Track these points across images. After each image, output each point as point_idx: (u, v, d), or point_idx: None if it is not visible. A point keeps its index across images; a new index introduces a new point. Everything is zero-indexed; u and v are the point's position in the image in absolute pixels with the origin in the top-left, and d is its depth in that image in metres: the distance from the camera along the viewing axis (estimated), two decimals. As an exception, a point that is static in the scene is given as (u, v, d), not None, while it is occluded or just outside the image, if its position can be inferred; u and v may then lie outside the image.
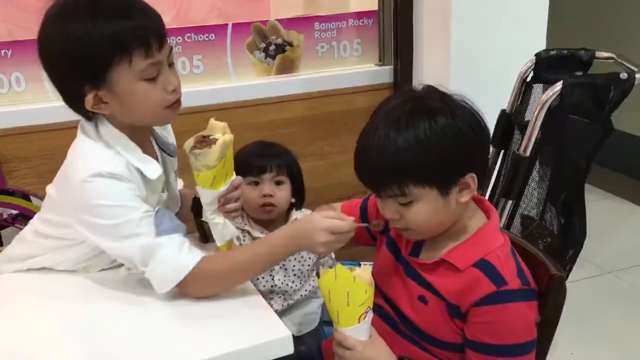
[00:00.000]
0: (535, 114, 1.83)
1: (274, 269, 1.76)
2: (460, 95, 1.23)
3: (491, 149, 2.04)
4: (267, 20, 2.38)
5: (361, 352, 1.23)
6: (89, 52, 1.20)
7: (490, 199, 2.02)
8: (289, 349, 1.17)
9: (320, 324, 1.90)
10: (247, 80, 2.39)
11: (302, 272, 1.83)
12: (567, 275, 1.84)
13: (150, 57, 1.23)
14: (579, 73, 1.92)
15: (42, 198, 1.44)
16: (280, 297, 1.82)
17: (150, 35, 1.22)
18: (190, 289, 1.28)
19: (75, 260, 1.40)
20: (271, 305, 1.71)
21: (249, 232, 1.81)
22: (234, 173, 1.42)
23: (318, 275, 1.23)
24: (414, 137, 1.16)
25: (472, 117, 1.22)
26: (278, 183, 1.77)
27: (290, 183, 1.81)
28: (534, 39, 2.33)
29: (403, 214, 1.22)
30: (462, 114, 1.20)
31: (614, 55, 1.91)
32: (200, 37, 2.28)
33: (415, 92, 1.25)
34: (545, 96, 1.81)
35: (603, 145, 1.80)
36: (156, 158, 1.39)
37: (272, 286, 1.80)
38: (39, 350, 1.18)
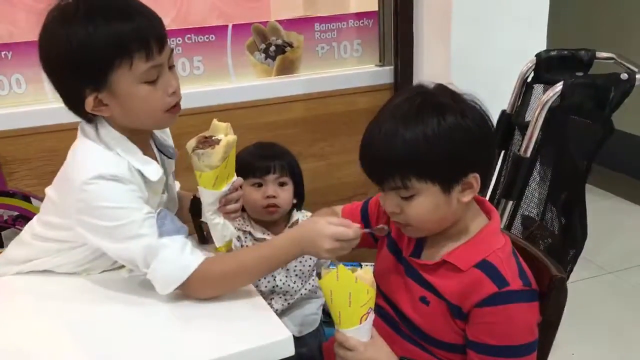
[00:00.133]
0: (535, 115, 1.83)
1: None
2: (470, 95, 1.23)
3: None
4: (267, 21, 2.38)
5: (362, 353, 1.23)
6: (90, 55, 1.20)
7: (491, 199, 2.01)
8: (290, 351, 1.17)
9: (321, 325, 1.90)
10: (247, 81, 2.39)
11: (303, 273, 1.83)
12: (568, 276, 1.84)
13: (151, 60, 1.23)
14: (580, 74, 1.91)
15: (42, 200, 1.43)
16: (281, 297, 1.82)
17: (150, 37, 1.22)
18: (192, 290, 1.27)
19: (75, 263, 1.40)
20: (271, 305, 1.72)
21: (250, 233, 1.81)
22: (235, 174, 1.42)
23: (319, 276, 1.23)
24: (422, 132, 1.16)
25: (481, 118, 1.22)
26: (281, 184, 1.78)
27: (292, 184, 1.81)
28: (535, 40, 2.33)
29: (403, 208, 1.22)
30: (472, 114, 1.20)
31: (614, 56, 1.90)
32: (201, 38, 2.28)
33: (425, 89, 1.25)
34: (545, 97, 1.81)
35: (604, 145, 1.79)
36: (156, 160, 1.38)
37: (273, 287, 1.80)
38: (40, 352, 1.18)
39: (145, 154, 1.34)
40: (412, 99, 1.21)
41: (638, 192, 3.67)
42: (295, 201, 1.84)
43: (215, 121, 1.39)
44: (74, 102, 1.28)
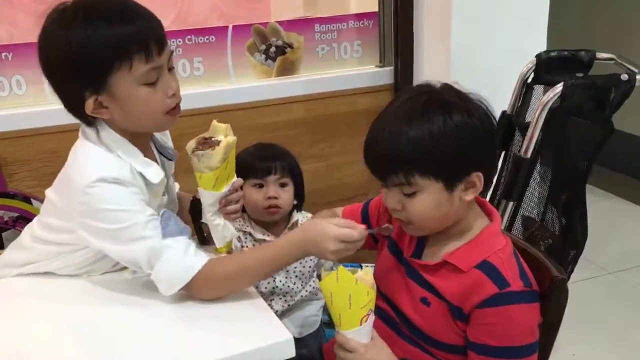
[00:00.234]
0: (536, 116, 1.83)
1: (275, 271, 1.77)
2: (476, 95, 1.23)
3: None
4: (267, 22, 2.38)
5: (363, 355, 1.23)
6: (89, 58, 1.20)
7: (491, 200, 2.01)
8: (291, 352, 1.17)
9: (321, 326, 1.90)
10: (247, 82, 2.38)
11: (303, 274, 1.83)
12: (569, 277, 1.84)
13: (151, 62, 1.23)
14: (580, 74, 1.91)
15: (42, 201, 1.43)
16: (281, 298, 1.82)
17: (150, 39, 1.22)
18: (196, 290, 1.27)
19: (76, 266, 1.40)
20: (271, 307, 1.72)
21: (250, 234, 1.81)
22: (235, 175, 1.42)
23: (319, 278, 1.23)
24: (428, 129, 1.16)
25: (487, 117, 1.22)
26: (282, 185, 1.78)
27: (292, 184, 1.81)
28: (535, 40, 2.33)
29: (406, 205, 1.22)
30: (478, 113, 1.20)
31: (614, 56, 1.90)
32: (201, 39, 2.28)
33: (431, 87, 1.25)
34: (546, 97, 1.81)
35: (604, 146, 1.79)
36: (156, 162, 1.38)
37: (273, 287, 1.80)
38: (41, 354, 1.18)
39: (145, 156, 1.34)
40: (417, 98, 1.21)
41: (638, 192, 3.67)
42: (295, 202, 1.84)
43: (214, 122, 1.39)
44: (74, 105, 1.28)
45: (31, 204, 2.01)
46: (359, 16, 2.51)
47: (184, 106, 1.33)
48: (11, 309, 1.35)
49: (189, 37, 2.26)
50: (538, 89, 2.02)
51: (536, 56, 2.02)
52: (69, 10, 1.22)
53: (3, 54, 2.06)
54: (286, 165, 1.79)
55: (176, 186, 1.57)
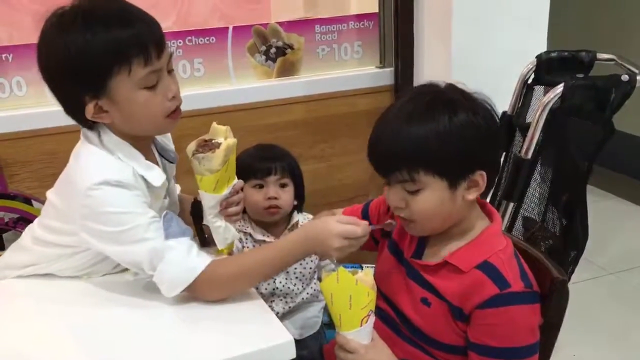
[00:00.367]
0: (536, 116, 1.83)
1: (275, 272, 1.76)
2: (481, 94, 1.24)
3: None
4: (267, 23, 2.38)
5: (363, 356, 1.23)
6: (88, 62, 1.20)
7: (492, 201, 2.01)
8: (291, 354, 1.17)
9: (322, 327, 1.90)
10: (247, 83, 2.38)
11: (303, 275, 1.83)
12: (570, 277, 1.84)
13: (150, 65, 1.23)
14: (580, 75, 1.91)
15: (43, 202, 1.43)
16: (281, 299, 1.82)
17: (149, 43, 1.22)
18: (199, 292, 1.27)
19: (76, 268, 1.40)
20: (272, 308, 1.72)
21: (250, 235, 1.81)
22: (236, 177, 1.42)
23: (320, 280, 1.23)
24: (434, 127, 1.16)
25: (491, 117, 1.23)
26: (282, 185, 1.78)
27: (293, 185, 1.81)
28: (535, 41, 2.32)
29: (409, 203, 1.22)
30: (483, 112, 1.21)
31: (615, 57, 1.90)
32: (201, 40, 2.28)
33: (436, 87, 1.25)
34: (546, 98, 1.81)
35: (604, 146, 1.79)
36: (157, 165, 1.38)
37: (273, 289, 1.80)
38: (42, 356, 1.18)
39: (147, 159, 1.34)
40: (422, 96, 1.22)
41: (639, 193, 3.67)
42: (295, 203, 1.84)
43: (214, 124, 1.39)
44: (74, 110, 1.28)
45: (32, 205, 2.01)
46: (359, 17, 2.51)
47: (184, 107, 1.33)
48: (11, 311, 1.35)
49: (189, 38, 2.26)
50: (538, 89, 2.02)
51: (536, 57, 2.02)
52: (68, 14, 1.22)
53: (3, 55, 2.06)
54: (286, 165, 1.79)
55: (177, 188, 1.57)
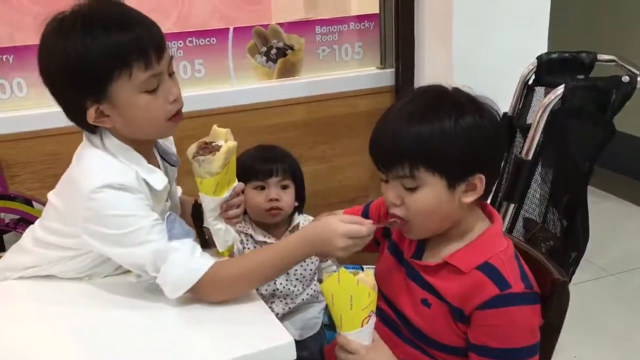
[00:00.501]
0: (537, 118, 1.83)
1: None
2: (487, 99, 1.24)
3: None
4: (268, 24, 2.38)
5: (364, 356, 1.23)
6: (88, 67, 1.20)
7: (493, 202, 2.01)
8: (292, 355, 1.17)
9: (322, 328, 1.90)
10: (248, 84, 2.39)
11: (304, 277, 1.83)
12: (570, 279, 1.84)
13: (150, 69, 1.23)
14: (581, 76, 1.91)
15: (44, 203, 1.43)
16: (282, 301, 1.82)
17: (148, 46, 1.22)
18: (202, 293, 1.27)
19: (77, 270, 1.40)
20: (272, 309, 1.72)
21: (251, 236, 1.81)
22: (236, 179, 1.42)
23: (321, 282, 1.23)
24: (439, 125, 1.16)
25: (497, 122, 1.23)
26: (284, 187, 1.78)
27: (294, 186, 1.81)
28: (536, 42, 2.32)
29: (406, 200, 1.22)
30: (489, 116, 1.21)
31: (615, 58, 1.90)
32: (202, 41, 2.28)
33: (443, 88, 1.25)
34: (547, 99, 1.81)
35: (605, 148, 1.79)
36: (159, 168, 1.38)
37: (273, 290, 1.80)
38: (43, 358, 1.18)
39: (149, 162, 1.34)
40: (429, 96, 1.23)
41: (639, 193, 3.67)
42: (296, 204, 1.84)
43: (215, 127, 1.39)
44: (75, 115, 1.28)
45: (32, 206, 2.01)
46: (360, 18, 2.51)
47: (184, 108, 1.33)
48: (12, 312, 1.35)
49: (190, 39, 2.26)
50: (539, 90, 2.02)
51: (537, 58, 2.02)
52: (68, 19, 1.22)
53: (4, 57, 2.06)
54: (287, 167, 1.79)
55: (179, 190, 1.57)
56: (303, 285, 1.84)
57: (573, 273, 1.92)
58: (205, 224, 1.44)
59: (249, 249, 1.79)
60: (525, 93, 2.05)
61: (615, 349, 2.42)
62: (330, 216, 1.30)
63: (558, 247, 1.89)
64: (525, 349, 1.20)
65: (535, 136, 1.84)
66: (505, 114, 2.07)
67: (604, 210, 3.41)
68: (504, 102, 2.07)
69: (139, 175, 1.29)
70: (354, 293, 1.19)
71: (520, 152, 1.90)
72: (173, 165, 1.45)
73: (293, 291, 1.82)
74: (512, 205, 1.94)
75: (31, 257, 1.42)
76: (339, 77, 2.49)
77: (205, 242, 1.49)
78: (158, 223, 1.27)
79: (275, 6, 2.41)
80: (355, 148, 2.47)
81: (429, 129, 1.17)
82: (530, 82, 2.04)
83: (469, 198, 1.22)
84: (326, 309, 1.85)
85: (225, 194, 1.39)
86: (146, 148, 1.36)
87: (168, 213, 1.31)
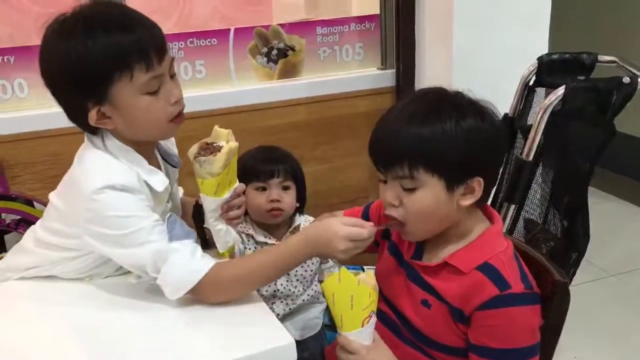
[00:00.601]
0: (537, 119, 1.83)
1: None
2: (487, 102, 1.24)
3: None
4: (269, 25, 2.38)
5: (364, 357, 1.23)
6: (89, 69, 1.20)
7: (493, 203, 2.01)
8: (293, 356, 1.17)
9: (323, 329, 1.90)
10: (249, 85, 2.39)
11: (304, 277, 1.83)
12: (571, 280, 1.84)
13: (151, 71, 1.23)
14: (582, 77, 1.91)
15: (45, 204, 1.44)
16: (282, 301, 1.82)
17: (150, 48, 1.22)
18: (203, 294, 1.27)
19: (78, 270, 1.40)
20: (273, 310, 1.72)
21: (252, 237, 1.81)
22: (237, 180, 1.42)
23: (322, 282, 1.23)
24: (440, 126, 1.16)
25: (498, 126, 1.23)
26: (285, 188, 1.78)
27: (295, 187, 1.81)
28: (537, 43, 2.33)
29: (403, 201, 1.21)
30: (490, 120, 1.21)
31: (616, 59, 1.90)
32: (203, 42, 2.29)
33: (444, 90, 1.25)
34: (547, 100, 1.81)
35: (606, 149, 1.79)
36: (160, 169, 1.39)
37: (274, 291, 1.80)
38: (44, 359, 1.18)
39: (150, 163, 1.34)
40: (430, 98, 1.23)
41: (640, 194, 3.67)
42: (297, 205, 1.84)
43: (216, 127, 1.39)
44: (77, 116, 1.28)
45: (33, 206, 2.01)
46: (361, 19, 2.51)
47: (185, 109, 1.33)
48: (13, 312, 1.35)
49: (191, 39, 2.27)
50: (540, 91, 2.02)
51: (538, 59, 2.02)
52: (69, 21, 1.22)
53: (5, 57, 2.07)
54: (289, 168, 1.79)
55: (180, 191, 1.57)
56: (304, 286, 1.84)
57: (574, 274, 1.92)
58: (205, 225, 1.44)
59: (249, 249, 1.80)
60: (526, 94, 2.05)
61: (616, 350, 2.42)
62: (332, 218, 1.30)
63: (559, 248, 1.89)
64: (525, 349, 1.20)
65: (536, 137, 1.84)
66: (505, 114, 2.07)
67: (604, 211, 3.41)
68: (504, 103, 2.07)
69: (140, 176, 1.29)
70: (354, 293, 1.19)
71: (521, 153, 1.90)
72: (174, 167, 1.45)
73: (294, 292, 1.82)
74: (512, 206, 1.94)
75: (32, 258, 1.42)
76: (340, 78, 2.50)
77: (206, 242, 1.50)
78: (159, 224, 1.27)
79: (276, 7, 2.42)
80: (356, 149, 2.47)
81: (429, 130, 1.17)
82: (531, 83, 2.04)
83: (467, 201, 1.22)
84: (327, 310, 1.85)
85: (226, 194, 1.39)
86: (147, 149, 1.36)
87: (169, 214, 1.31)
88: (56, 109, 1.30)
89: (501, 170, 2.08)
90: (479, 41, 2.33)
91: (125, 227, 1.24)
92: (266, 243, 1.80)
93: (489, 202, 1.37)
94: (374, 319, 1.24)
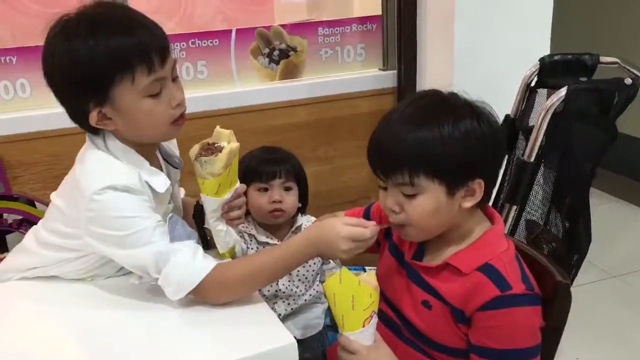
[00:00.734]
0: (539, 120, 1.83)
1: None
2: (484, 103, 1.24)
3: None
4: (271, 26, 2.38)
5: (365, 357, 1.23)
6: (91, 71, 1.20)
7: (494, 204, 2.01)
8: (294, 356, 1.17)
9: (324, 329, 1.90)
10: (251, 86, 2.39)
11: (306, 278, 1.83)
12: (573, 281, 1.84)
13: (153, 73, 1.23)
14: (583, 78, 1.91)
15: (46, 204, 1.44)
16: (284, 301, 1.82)
17: (152, 51, 1.22)
18: (205, 295, 1.27)
19: (80, 271, 1.40)
20: (274, 310, 1.72)
21: (254, 237, 1.81)
22: (238, 181, 1.42)
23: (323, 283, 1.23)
24: (438, 131, 1.16)
25: (496, 128, 1.23)
26: (287, 189, 1.78)
27: (297, 188, 1.81)
28: (538, 44, 2.33)
29: (404, 207, 1.21)
30: (488, 121, 1.21)
31: (618, 60, 1.90)
32: (204, 43, 2.29)
33: (440, 93, 1.25)
34: (549, 101, 1.81)
35: (607, 150, 1.79)
36: (161, 170, 1.39)
37: (276, 291, 1.80)
38: (45, 359, 1.18)
39: (151, 164, 1.34)
40: (427, 101, 1.22)
41: (642, 195, 3.67)
42: (299, 205, 1.84)
43: (218, 128, 1.39)
44: (78, 117, 1.28)
45: (35, 207, 2.01)
46: (363, 19, 2.51)
47: (187, 110, 1.33)
48: (15, 313, 1.35)
49: (193, 40, 2.27)
50: (541, 92, 2.02)
51: (540, 60, 2.02)
52: (72, 22, 1.22)
53: (7, 58, 2.07)
54: (291, 168, 1.79)
55: (182, 192, 1.57)
56: (305, 286, 1.84)
57: (575, 275, 1.92)
58: (206, 225, 1.44)
59: (252, 249, 1.80)
60: (528, 95, 2.05)
61: (617, 351, 2.42)
62: (333, 218, 1.30)
63: (560, 249, 1.89)
64: (526, 350, 1.20)
65: (538, 138, 1.84)
66: (507, 115, 2.07)
67: (606, 212, 3.41)
68: (506, 104, 2.07)
69: (142, 177, 1.29)
70: (355, 293, 1.19)
71: (522, 154, 1.90)
72: (176, 168, 1.45)
73: (295, 292, 1.82)
74: (514, 207, 1.94)
75: (34, 258, 1.42)
76: (342, 79, 2.50)
77: (207, 243, 1.50)
78: (160, 225, 1.27)
79: (277, 8, 2.42)
80: (357, 149, 2.47)
81: (428, 135, 1.16)
82: (533, 83, 2.04)
83: (468, 203, 1.22)
84: (328, 310, 1.85)
85: (227, 195, 1.39)
86: (149, 150, 1.36)
87: (170, 215, 1.31)
88: (58, 109, 1.31)
89: (502, 171, 2.09)
90: (481, 42, 2.33)
91: (126, 228, 1.24)
92: (268, 243, 1.80)
93: (490, 203, 1.36)
94: (375, 320, 1.24)
